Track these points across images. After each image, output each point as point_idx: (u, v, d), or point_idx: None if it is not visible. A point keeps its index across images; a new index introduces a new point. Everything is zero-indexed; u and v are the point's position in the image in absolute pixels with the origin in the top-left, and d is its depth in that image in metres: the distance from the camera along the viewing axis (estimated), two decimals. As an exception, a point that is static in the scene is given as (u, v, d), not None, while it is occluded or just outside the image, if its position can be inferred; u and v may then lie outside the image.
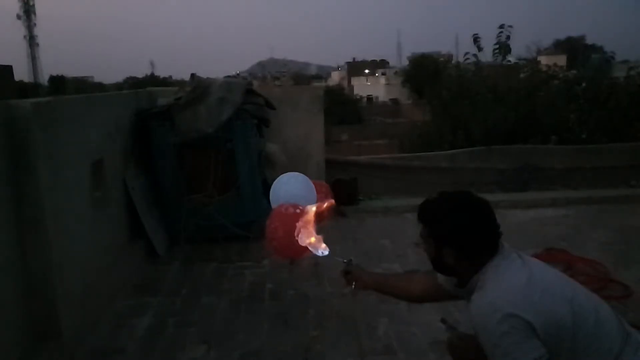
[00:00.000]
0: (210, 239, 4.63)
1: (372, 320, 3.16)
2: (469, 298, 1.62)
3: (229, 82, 4.86)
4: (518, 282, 1.50)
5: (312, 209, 2.07)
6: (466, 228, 1.59)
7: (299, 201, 3.26)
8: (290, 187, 3.74)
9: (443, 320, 1.95)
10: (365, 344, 2.84)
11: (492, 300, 1.49)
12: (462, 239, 1.60)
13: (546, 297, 1.47)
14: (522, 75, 9.43)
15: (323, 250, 2.03)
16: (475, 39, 8.60)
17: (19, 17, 41.60)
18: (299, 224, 2.04)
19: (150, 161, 4.68)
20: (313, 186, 3.82)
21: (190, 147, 4.58)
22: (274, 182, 3.90)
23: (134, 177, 4.39)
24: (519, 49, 9.77)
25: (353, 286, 2.05)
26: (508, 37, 8.53)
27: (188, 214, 4.53)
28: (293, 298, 3.54)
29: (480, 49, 8.61)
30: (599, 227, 4.97)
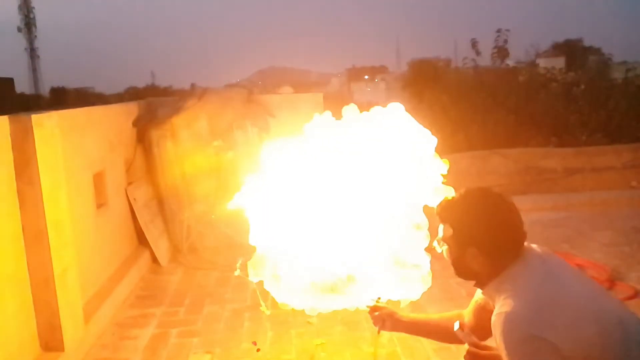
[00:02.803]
0: (212, 248, 4.63)
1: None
2: (489, 299, 1.57)
3: (230, 91, 4.88)
4: (543, 298, 1.40)
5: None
6: (494, 227, 1.51)
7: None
8: None
9: (460, 327, 1.82)
10: (369, 350, 2.83)
11: (516, 318, 1.39)
12: (489, 238, 1.51)
13: (573, 314, 1.38)
14: (520, 78, 9.46)
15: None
16: (474, 44, 8.65)
17: (19, 29, 41.94)
18: None
19: (152, 171, 4.69)
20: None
21: (192, 156, 4.60)
22: None
23: (135, 187, 4.41)
24: (517, 52, 9.79)
25: (380, 327, 1.93)
26: (505, 41, 8.57)
27: (190, 222, 4.54)
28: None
29: (478, 53, 8.66)
30: (601, 228, 4.96)
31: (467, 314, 1.90)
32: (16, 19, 41.67)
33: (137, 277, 4.05)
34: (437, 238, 1.65)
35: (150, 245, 4.35)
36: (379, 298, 1.98)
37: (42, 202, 2.65)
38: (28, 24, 42.06)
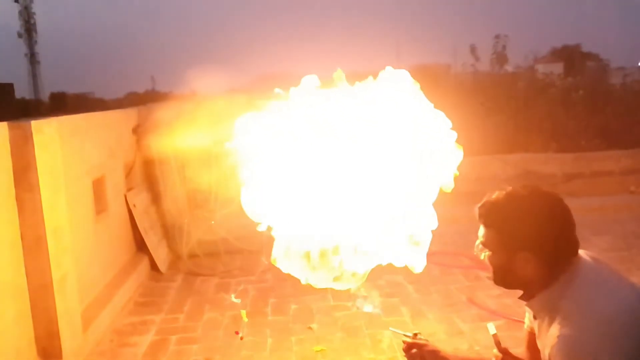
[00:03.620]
0: (212, 254, 4.62)
1: (376, 332, 3.14)
2: (535, 313, 1.45)
3: (230, 97, 4.89)
4: (608, 319, 1.28)
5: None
6: (550, 228, 1.37)
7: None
8: None
9: (495, 337, 1.71)
10: (369, 356, 2.82)
11: (578, 338, 1.27)
12: (545, 241, 1.37)
13: (636, 333, 1.28)
14: (519, 83, 9.49)
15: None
16: (473, 49, 8.69)
17: (20, 35, 42.05)
18: None
19: (152, 177, 4.69)
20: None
21: (192, 162, 4.60)
22: None
23: (135, 193, 4.40)
24: (516, 58, 9.84)
25: None
26: (504, 47, 8.62)
27: (190, 228, 4.53)
28: (297, 312, 3.52)
29: (477, 58, 8.70)
30: (600, 233, 4.95)
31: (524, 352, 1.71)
32: (17, 24, 41.78)
33: (136, 284, 4.03)
34: (478, 242, 1.50)
35: (149, 252, 4.34)
36: (417, 333, 1.82)
37: (42, 209, 2.65)
38: (28, 29, 42.18)
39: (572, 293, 1.34)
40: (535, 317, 1.49)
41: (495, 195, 1.47)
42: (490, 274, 1.49)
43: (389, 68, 1.78)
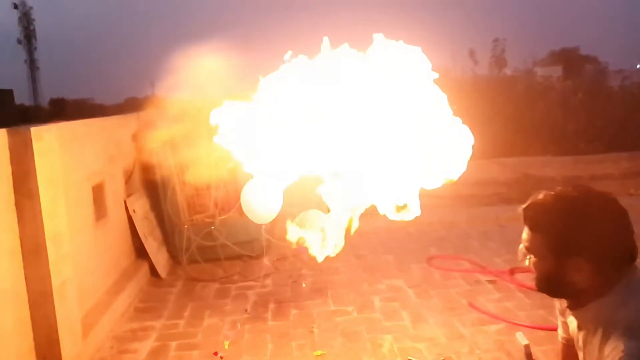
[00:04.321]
0: (212, 259, 4.61)
1: (377, 337, 3.13)
2: (582, 324, 1.37)
3: (229, 102, 4.89)
4: None
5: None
6: (608, 232, 1.27)
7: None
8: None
9: (527, 348, 1.66)
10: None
11: None
12: (602, 246, 1.27)
13: None
14: (518, 86, 9.53)
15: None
16: (471, 53, 8.72)
17: (19, 41, 42.18)
18: None
19: (151, 182, 4.69)
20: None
21: (192, 167, 4.60)
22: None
23: (135, 199, 4.40)
24: (514, 61, 9.88)
25: None
26: (503, 50, 8.65)
27: (189, 234, 4.53)
28: (297, 317, 3.52)
29: (476, 62, 8.73)
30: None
31: None
32: (16, 31, 41.91)
33: (136, 290, 4.02)
34: (521, 246, 1.40)
35: (149, 257, 4.34)
36: (527, 344, 1.68)
37: (41, 216, 2.65)
38: (28, 35, 42.32)
39: (635, 303, 1.25)
40: (580, 328, 1.39)
41: (543, 196, 1.35)
42: (534, 281, 1.39)
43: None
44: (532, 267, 1.38)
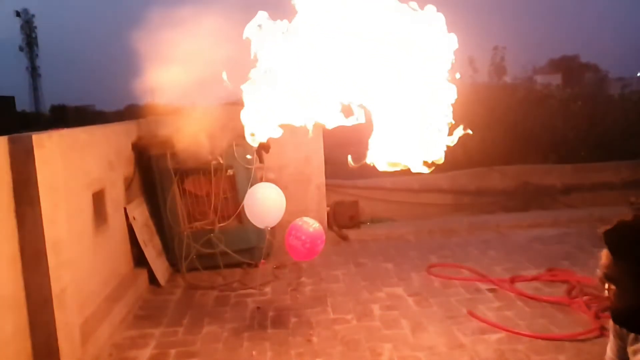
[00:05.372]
0: (211, 267, 4.61)
1: (376, 345, 3.12)
2: None
3: (229, 109, 4.91)
4: None
5: None
6: None
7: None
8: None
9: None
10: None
11: None
12: None
13: None
14: (518, 94, 9.55)
15: None
16: (471, 61, 8.76)
17: (21, 49, 42.41)
18: None
19: (151, 190, 4.69)
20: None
21: (191, 175, 4.60)
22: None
23: (135, 206, 4.41)
24: (514, 69, 9.92)
25: None
26: (502, 58, 8.69)
27: (189, 241, 4.52)
28: (296, 325, 3.50)
29: (475, 70, 8.76)
30: (601, 245, 4.94)
31: None
32: (18, 38, 42.13)
33: (135, 297, 4.01)
34: (600, 272, 1.29)
35: (149, 265, 4.33)
36: None
37: (42, 223, 2.65)
38: (30, 43, 42.54)
39: None
40: None
41: (631, 219, 1.23)
42: (612, 312, 1.27)
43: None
44: (610, 295, 1.28)
